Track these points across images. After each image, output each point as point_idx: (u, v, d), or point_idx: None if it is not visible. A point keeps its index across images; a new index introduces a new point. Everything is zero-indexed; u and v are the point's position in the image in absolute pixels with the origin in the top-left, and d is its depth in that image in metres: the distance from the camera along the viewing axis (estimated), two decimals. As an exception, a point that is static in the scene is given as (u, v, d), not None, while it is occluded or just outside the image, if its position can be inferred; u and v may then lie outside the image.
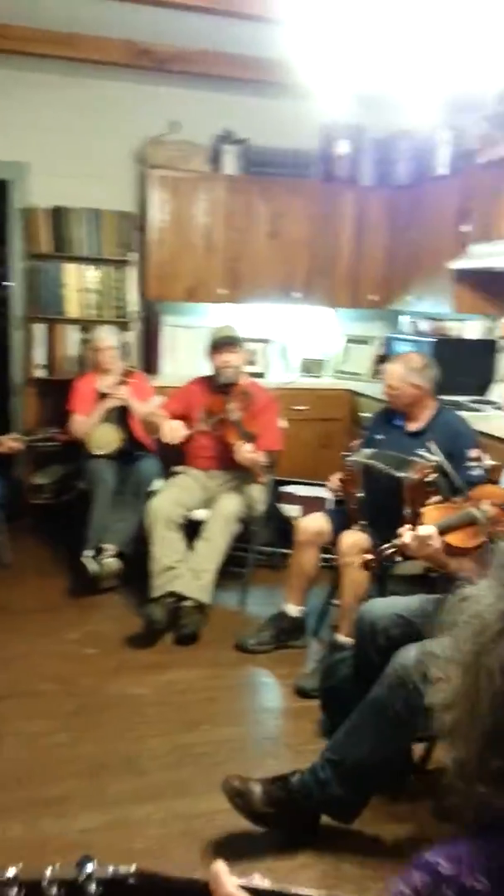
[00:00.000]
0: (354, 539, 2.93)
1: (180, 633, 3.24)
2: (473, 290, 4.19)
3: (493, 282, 4.16)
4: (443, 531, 2.17)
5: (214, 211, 4.64)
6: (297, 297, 4.84)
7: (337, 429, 4.77)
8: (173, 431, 3.46)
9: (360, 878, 1.99)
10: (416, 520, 2.73)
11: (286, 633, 3.23)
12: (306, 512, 4.41)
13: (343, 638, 2.96)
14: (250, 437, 3.39)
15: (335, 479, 3.08)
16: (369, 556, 2.21)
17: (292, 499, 4.42)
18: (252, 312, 4.83)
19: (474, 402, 4.03)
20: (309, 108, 4.86)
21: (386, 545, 2.20)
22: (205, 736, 2.62)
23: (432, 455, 2.96)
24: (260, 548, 3.82)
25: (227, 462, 3.59)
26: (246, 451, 3.32)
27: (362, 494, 2.96)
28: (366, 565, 2.22)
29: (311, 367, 5.04)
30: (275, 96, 4.71)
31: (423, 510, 2.28)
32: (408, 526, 2.20)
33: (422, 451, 2.99)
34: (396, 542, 2.18)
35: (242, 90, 4.64)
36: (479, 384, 4.23)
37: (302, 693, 2.87)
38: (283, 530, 4.05)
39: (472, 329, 4.34)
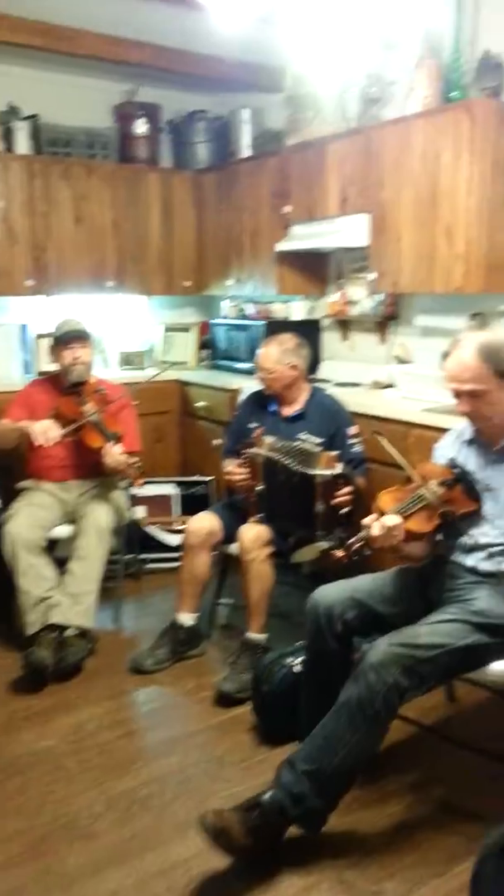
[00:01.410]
0: (256, 532, 2.81)
1: (61, 667, 2.87)
2: (296, 270, 4.21)
3: (314, 262, 4.22)
4: (403, 517, 2.12)
5: (10, 195, 4.17)
6: (110, 287, 4.53)
7: (168, 422, 4.58)
8: (47, 431, 3.03)
9: (366, 881, 1.90)
10: (332, 513, 2.69)
11: (183, 644, 3.02)
12: (153, 512, 4.20)
13: (255, 635, 2.84)
14: (117, 438, 3.09)
15: (233, 471, 2.91)
16: (340, 552, 2.10)
17: (135, 500, 4.16)
18: (63, 304, 4.44)
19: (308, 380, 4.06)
20: (101, 84, 4.59)
21: (353, 539, 2.10)
22: (140, 776, 2.35)
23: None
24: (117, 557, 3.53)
25: (84, 470, 3.25)
26: (117, 454, 3.02)
27: (262, 487, 2.83)
28: (337, 561, 2.11)
29: (131, 359, 4.76)
30: (64, 70, 4.35)
31: (378, 499, 2.21)
32: (373, 516, 2.12)
33: (304, 436, 2.95)
34: (363, 534, 2.09)
35: (29, 61, 4.20)
36: (309, 363, 4.28)
37: (227, 699, 2.70)
38: (133, 536, 3.80)
39: (297, 310, 4.37)
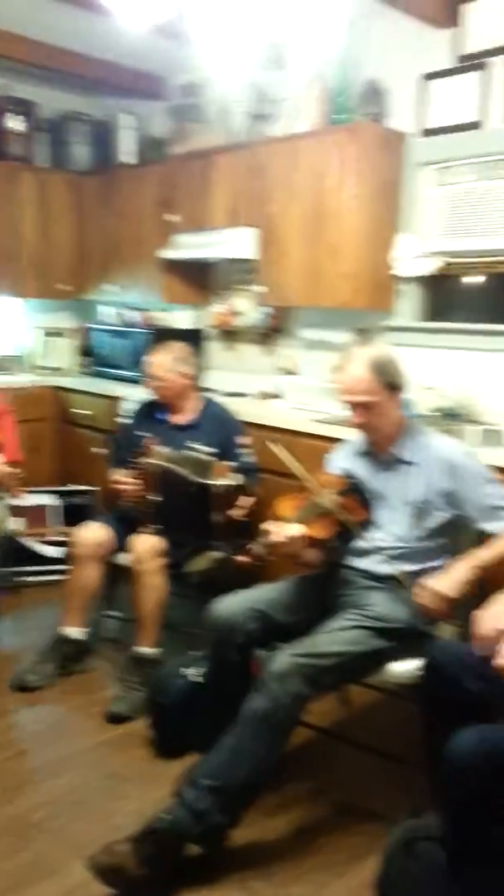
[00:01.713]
0: (150, 543, 2.76)
1: None
2: (181, 279, 4.21)
3: (199, 272, 4.23)
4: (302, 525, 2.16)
5: None
6: (-18, 287, 4.34)
7: (45, 430, 4.43)
8: None
9: (272, 887, 1.91)
10: (228, 523, 2.70)
11: (71, 659, 2.92)
12: (31, 523, 4.03)
13: (146, 650, 2.78)
14: (-2, 448, 2.95)
15: (123, 481, 2.85)
16: (243, 559, 2.10)
17: (11, 511, 3.98)
18: None
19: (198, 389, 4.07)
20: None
21: (254, 545, 2.11)
22: (33, 799, 2.24)
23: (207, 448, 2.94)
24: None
25: (-39, 481, 3.08)
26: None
27: (158, 498, 2.79)
28: (240, 567, 2.11)
29: (4, 364, 4.56)
30: None
31: (277, 507, 2.24)
32: (272, 524, 2.14)
33: (194, 446, 2.95)
34: (265, 540, 2.11)
35: None
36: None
37: (117, 720, 2.63)
38: (8, 548, 3.64)
39: (181, 319, 4.36)
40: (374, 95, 3.42)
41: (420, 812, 1.88)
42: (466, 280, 3.39)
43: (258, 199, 3.59)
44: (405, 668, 2.10)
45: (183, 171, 3.96)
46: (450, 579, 2.07)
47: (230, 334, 4.20)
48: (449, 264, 3.33)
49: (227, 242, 3.71)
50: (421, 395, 3.11)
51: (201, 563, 2.74)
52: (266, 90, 3.79)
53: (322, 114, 3.50)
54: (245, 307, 4.02)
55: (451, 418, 3.12)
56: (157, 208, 4.11)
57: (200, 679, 2.40)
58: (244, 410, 3.34)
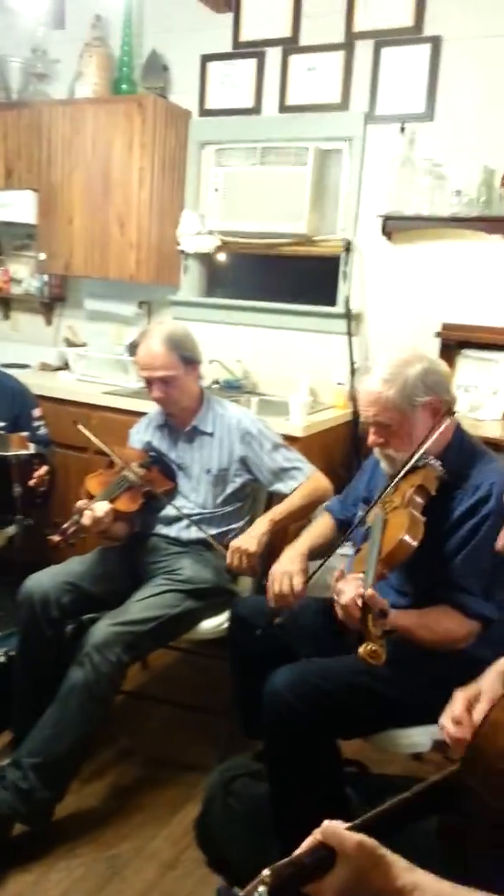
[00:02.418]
0: None
1: None
2: None
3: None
4: (111, 501, 2.19)
5: None
6: None
7: None
8: None
9: (101, 848, 1.97)
10: (29, 495, 2.63)
11: None
12: None
13: None
14: None
15: None
16: (56, 538, 2.08)
17: None
18: None
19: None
20: None
21: (67, 524, 2.10)
22: None
23: None
24: None
25: None
26: None
27: None
28: (55, 546, 2.08)
29: None
30: None
31: (86, 483, 2.24)
32: (84, 502, 2.15)
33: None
34: (77, 519, 2.11)
35: None
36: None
37: None
38: None
39: None
40: (157, 70, 3.44)
41: (229, 755, 2.05)
42: (243, 258, 3.57)
43: (38, 162, 3.46)
44: (212, 624, 2.25)
45: None
46: (250, 536, 2.22)
47: (6, 302, 4.02)
48: (226, 243, 3.48)
49: (5, 205, 3.54)
50: (203, 368, 3.24)
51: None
52: (46, 49, 3.64)
53: (105, 81, 3.45)
54: (23, 274, 3.87)
55: (231, 390, 3.31)
56: None
57: (3, 659, 2.35)
58: (31, 382, 3.23)
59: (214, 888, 1.79)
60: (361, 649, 1.39)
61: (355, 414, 3.13)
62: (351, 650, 1.69)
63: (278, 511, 2.30)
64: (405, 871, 0.82)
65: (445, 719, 1.19)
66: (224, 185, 3.38)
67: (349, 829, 0.85)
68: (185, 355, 2.31)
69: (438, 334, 2.93)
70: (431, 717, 1.59)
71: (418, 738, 1.70)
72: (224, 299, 3.55)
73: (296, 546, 2.02)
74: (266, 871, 0.77)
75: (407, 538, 1.57)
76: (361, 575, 1.56)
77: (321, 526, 2.13)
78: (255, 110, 3.36)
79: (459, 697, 1.23)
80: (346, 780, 1.67)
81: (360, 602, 1.50)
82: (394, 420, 1.74)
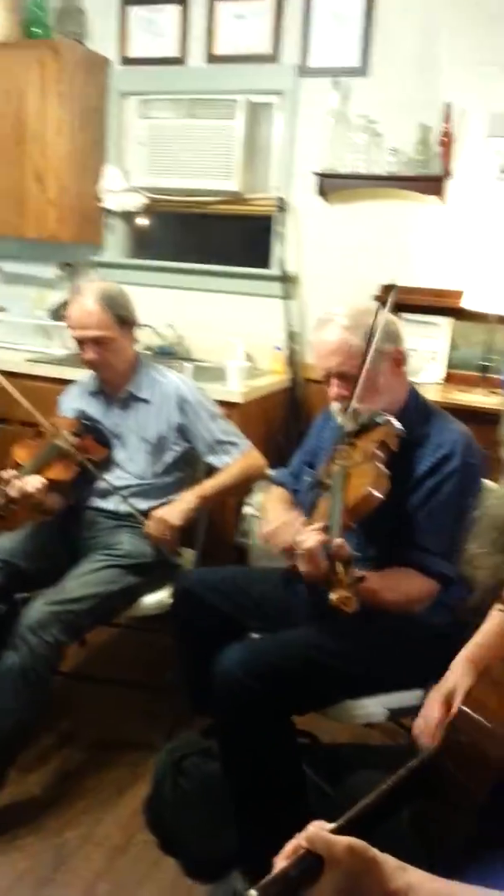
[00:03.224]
0: None
1: None
2: None
3: None
4: (41, 470, 2.06)
5: None
6: None
7: None
8: None
9: (47, 836, 1.87)
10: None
11: None
12: None
13: None
14: None
15: None
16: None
17: None
18: None
19: None
20: None
21: None
22: None
23: None
24: None
25: None
26: None
27: None
28: None
29: None
30: None
31: (13, 453, 2.10)
32: (12, 473, 2.01)
33: None
34: (4, 491, 1.97)
35: None
36: None
37: None
38: None
39: None
40: (72, 13, 3.22)
41: (176, 733, 1.98)
42: (171, 218, 3.42)
43: None
44: (155, 599, 2.15)
45: None
46: (175, 508, 2.14)
47: None
48: (154, 201, 3.33)
49: None
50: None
51: None
52: None
53: (15, 23, 3.20)
54: None
55: (163, 356, 3.19)
56: None
57: None
58: None
59: (167, 871, 1.74)
60: (334, 596, 1.31)
61: (294, 380, 3.08)
62: (301, 622, 1.66)
63: (208, 486, 2.21)
64: (398, 872, 0.78)
65: (421, 725, 1.16)
66: (149, 138, 3.22)
67: (334, 830, 0.81)
68: (121, 315, 2.18)
69: (377, 297, 2.88)
70: (386, 686, 1.66)
71: (373, 708, 1.66)
72: (152, 261, 3.40)
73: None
74: (253, 892, 0.72)
75: (373, 490, 1.50)
76: (320, 525, 1.50)
77: (281, 499, 1.97)
78: (181, 60, 3.20)
79: (435, 701, 1.20)
80: (301, 754, 1.64)
81: (326, 551, 1.43)
82: (359, 369, 1.65)
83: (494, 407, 2.63)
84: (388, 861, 0.78)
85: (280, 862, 0.79)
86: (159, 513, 2.12)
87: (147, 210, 3.35)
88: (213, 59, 3.14)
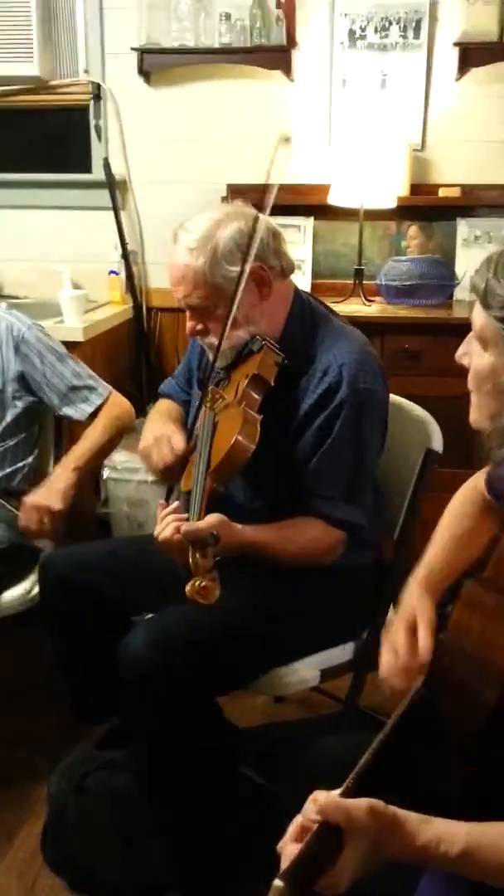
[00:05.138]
0: None
1: None
2: None
3: None
4: None
5: None
6: None
7: None
8: None
9: None
10: None
11: None
12: None
13: None
14: None
15: None
16: None
17: None
18: None
19: None
20: None
21: None
22: None
23: None
24: None
25: None
26: None
27: None
28: None
29: None
30: None
31: None
32: None
33: None
34: None
35: None
36: None
37: None
38: None
39: None
40: None
41: (64, 751, 1.67)
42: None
43: None
44: (17, 593, 1.78)
45: None
46: (51, 490, 1.75)
47: None
48: None
49: None
50: None
51: None
52: None
53: None
54: None
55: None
56: None
57: None
58: None
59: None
60: (188, 587, 1.16)
61: (137, 308, 2.64)
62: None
63: (79, 453, 1.80)
64: (422, 826, 0.76)
65: (391, 662, 1.07)
66: None
67: (343, 795, 0.77)
68: None
69: (225, 199, 2.47)
70: (317, 644, 1.51)
71: (306, 671, 1.50)
72: None
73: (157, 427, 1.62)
74: (278, 882, 0.68)
75: (240, 439, 1.31)
76: (176, 504, 1.35)
77: (170, 409, 1.70)
78: None
79: (399, 623, 1.10)
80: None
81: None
82: (209, 299, 1.41)
83: (375, 316, 2.37)
84: (410, 817, 0.76)
85: (289, 847, 0.74)
86: (32, 499, 1.71)
87: None
88: None
